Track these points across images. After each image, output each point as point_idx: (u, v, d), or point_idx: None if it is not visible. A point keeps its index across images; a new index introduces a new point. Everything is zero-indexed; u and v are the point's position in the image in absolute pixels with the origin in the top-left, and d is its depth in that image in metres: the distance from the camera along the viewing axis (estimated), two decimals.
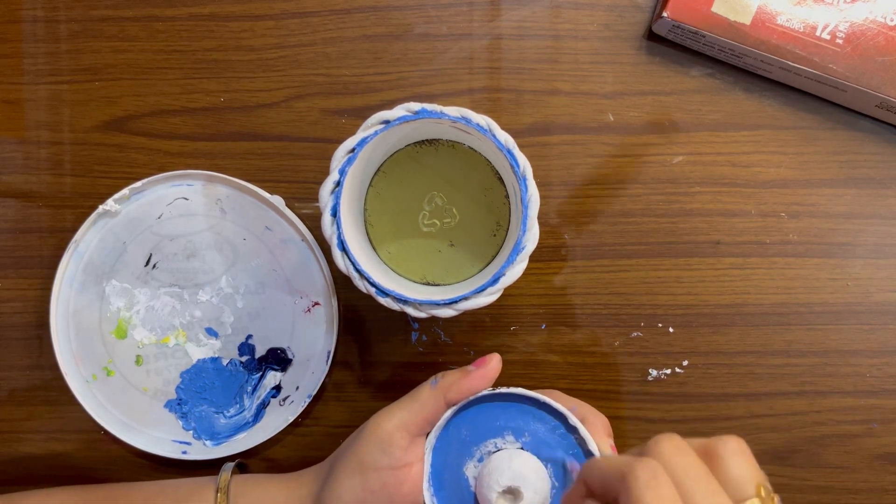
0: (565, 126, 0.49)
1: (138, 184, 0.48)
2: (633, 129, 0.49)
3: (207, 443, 0.49)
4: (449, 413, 0.41)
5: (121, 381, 0.50)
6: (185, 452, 0.49)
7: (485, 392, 0.41)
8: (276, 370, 0.50)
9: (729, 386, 0.50)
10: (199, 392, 0.50)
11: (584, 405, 0.44)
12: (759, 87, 0.49)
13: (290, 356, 0.49)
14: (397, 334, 0.50)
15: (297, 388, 0.49)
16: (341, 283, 0.49)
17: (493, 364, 0.42)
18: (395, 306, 0.41)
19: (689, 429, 0.50)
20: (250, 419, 0.50)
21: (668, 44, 0.49)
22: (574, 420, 0.41)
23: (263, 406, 0.50)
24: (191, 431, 0.50)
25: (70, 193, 0.50)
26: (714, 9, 0.46)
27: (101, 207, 0.48)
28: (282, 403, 0.50)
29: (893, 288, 0.49)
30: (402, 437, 0.41)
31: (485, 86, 0.50)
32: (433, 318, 0.50)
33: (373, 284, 0.40)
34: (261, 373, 0.50)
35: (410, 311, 0.41)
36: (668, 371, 0.50)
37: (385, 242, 0.44)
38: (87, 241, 0.49)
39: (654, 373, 0.50)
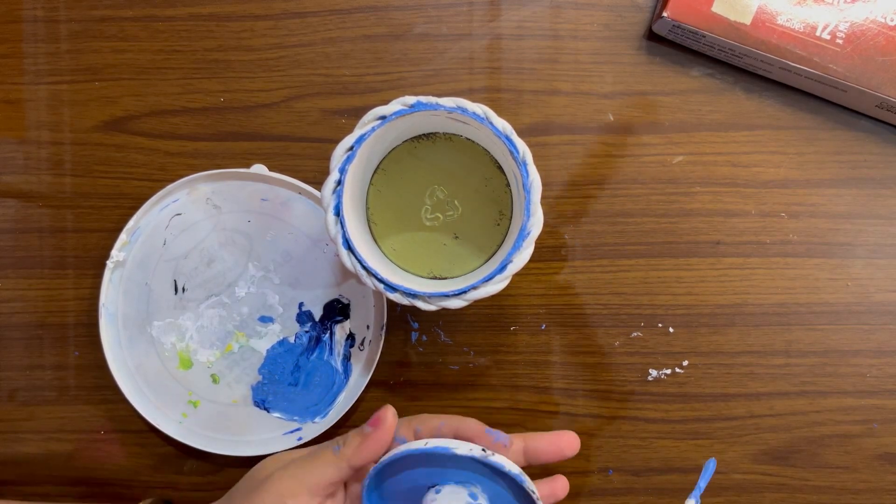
0: (565, 126, 0.49)
1: (130, 223, 0.48)
2: (633, 129, 0.49)
3: (316, 420, 0.49)
4: (373, 472, 0.40)
5: (209, 406, 0.50)
6: (300, 439, 0.49)
7: (399, 452, 0.40)
8: (340, 321, 0.49)
9: (729, 386, 0.50)
10: (283, 378, 0.49)
11: (450, 418, 0.43)
12: (759, 87, 0.49)
13: (345, 301, 0.49)
14: (397, 334, 0.50)
15: (369, 326, 0.49)
16: None
17: (388, 423, 0.40)
18: (404, 301, 0.41)
19: (689, 429, 0.50)
20: (342, 378, 0.49)
21: (668, 44, 0.49)
22: (481, 454, 0.39)
23: (347, 360, 0.49)
24: (296, 417, 0.49)
25: (70, 193, 0.50)
26: (714, 9, 0.46)
27: (109, 262, 0.48)
28: (361, 348, 0.49)
29: (893, 288, 0.49)
30: (306, 499, 0.40)
31: (485, 86, 0.50)
32: (433, 318, 0.50)
33: (381, 281, 0.40)
34: (328, 331, 0.49)
35: (420, 304, 0.41)
36: (668, 371, 0.50)
37: (389, 239, 0.44)
38: (113, 299, 0.49)
39: (654, 373, 0.50)
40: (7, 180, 0.50)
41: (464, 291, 0.40)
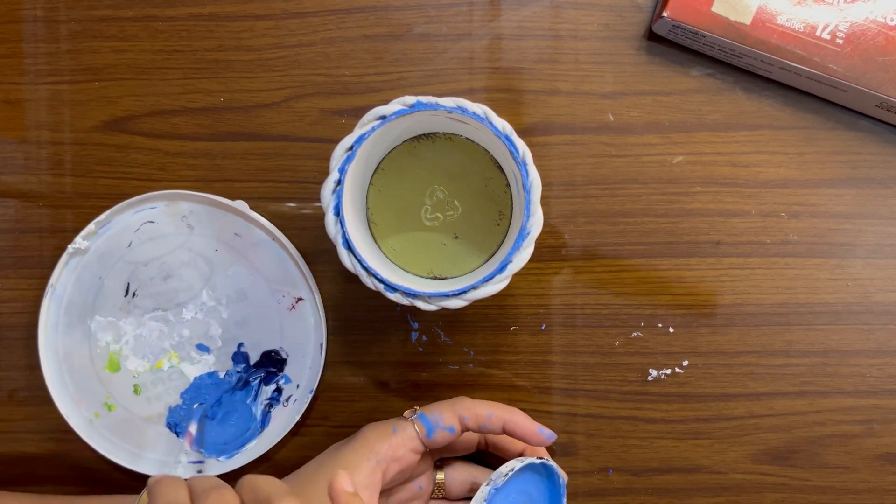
0: (565, 126, 0.49)
1: (102, 216, 0.48)
2: (633, 129, 0.49)
3: (221, 458, 0.49)
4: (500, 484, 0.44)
5: (123, 413, 0.49)
6: (200, 472, 0.49)
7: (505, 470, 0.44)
8: (273, 372, 0.49)
9: (729, 386, 0.50)
10: (201, 409, 0.49)
11: (498, 407, 0.45)
12: (759, 87, 0.49)
13: (284, 356, 0.49)
14: (397, 334, 0.50)
15: (298, 385, 0.49)
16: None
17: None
18: (404, 301, 0.41)
19: (689, 429, 0.50)
20: (258, 426, 0.49)
21: (668, 44, 0.49)
22: (542, 461, 0.44)
23: (269, 410, 0.50)
24: (202, 451, 0.49)
25: (70, 193, 0.50)
26: (714, 9, 0.46)
27: (70, 247, 0.48)
28: (285, 404, 0.49)
29: (893, 288, 0.49)
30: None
31: (485, 86, 0.50)
32: (433, 318, 0.50)
33: (381, 281, 0.40)
34: (259, 378, 0.49)
35: (420, 304, 0.41)
36: (668, 371, 0.50)
37: (389, 239, 0.44)
38: (64, 283, 0.49)
39: (654, 373, 0.50)
40: (7, 180, 0.50)
41: (464, 291, 0.40)
